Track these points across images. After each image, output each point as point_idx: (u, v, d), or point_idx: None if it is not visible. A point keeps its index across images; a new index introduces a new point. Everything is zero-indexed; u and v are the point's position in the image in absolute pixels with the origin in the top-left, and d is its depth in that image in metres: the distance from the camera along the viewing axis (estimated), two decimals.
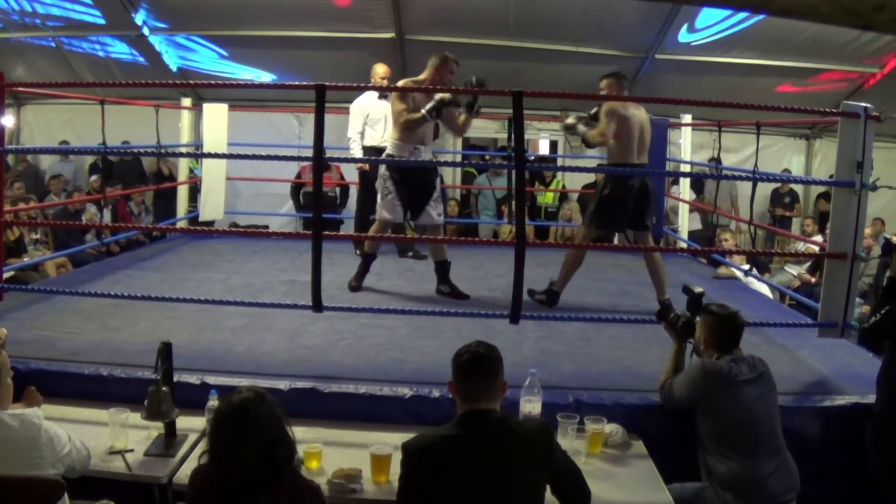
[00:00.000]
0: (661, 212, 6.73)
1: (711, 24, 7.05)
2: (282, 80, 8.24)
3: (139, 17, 7.43)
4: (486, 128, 8.94)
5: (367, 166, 5.76)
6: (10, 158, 8.13)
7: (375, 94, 5.68)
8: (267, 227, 8.22)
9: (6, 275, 4.36)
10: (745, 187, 7.82)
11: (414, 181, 4.48)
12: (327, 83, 3.30)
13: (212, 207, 6.48)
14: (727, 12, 6.64)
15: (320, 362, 3.37)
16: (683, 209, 6.87)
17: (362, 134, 5.75)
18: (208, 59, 8.30)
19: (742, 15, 6.57)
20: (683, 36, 7.22)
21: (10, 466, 2.07)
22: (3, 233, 3.98)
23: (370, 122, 5.73)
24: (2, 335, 2.64)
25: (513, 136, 3.57)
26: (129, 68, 8.28)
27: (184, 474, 2.38)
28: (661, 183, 6.66)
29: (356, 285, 4.75)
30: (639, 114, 4.38)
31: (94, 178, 8.68)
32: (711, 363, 2.81)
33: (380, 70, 5.65)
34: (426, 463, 2.09)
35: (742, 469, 2.64)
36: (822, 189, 8.55)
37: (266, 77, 8.42)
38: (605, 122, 4.27)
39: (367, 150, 5.68)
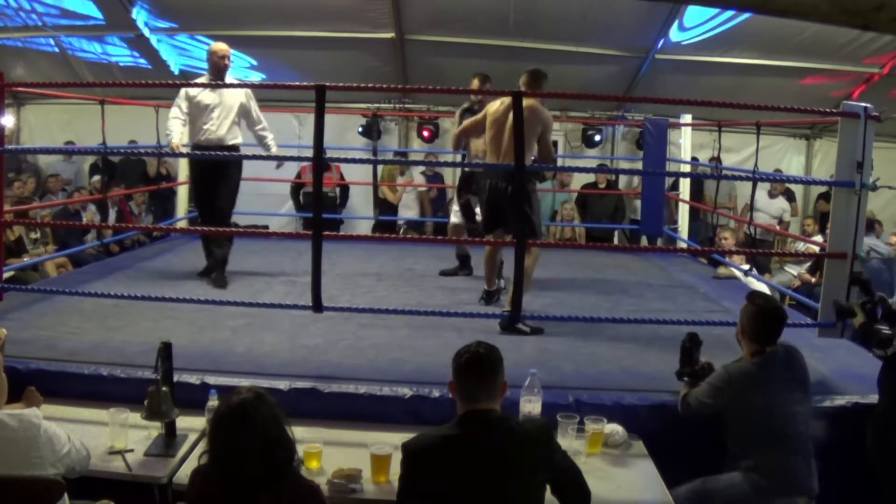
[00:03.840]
0: (661, 211, 6.72)
1: (700, 22, 6.95)
2: (279, 79, 8.21)
3: (139, 18, 7.41)
4: None
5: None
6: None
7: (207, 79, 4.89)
8: (267, 227, 8.21)
9: (6, 275, 4.36)
10: (743, 187, 7.86)
11: (469, 186, 5.05)
12: (327, 83, 3.31)
13: None
14: (714, 10, 6.56)
15: (320, 362, 3.37)
16: (683, 209, 6.87)
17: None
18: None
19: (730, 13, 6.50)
20: (675, 35, 7.18)
21: (9, 466, 2.06)
22: (3, 233, 3.98)
23: (198, 109, 4.78)
24: (2, 335, 2.64)
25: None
26: (129, 68, 8.27)
27: (184, 474, 2.38)
28: (661, 183, 6.66)
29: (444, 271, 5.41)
30: (497, 108, 4.14)
31: (95, 178, 8.66)
32: (737, 368, 2.80)
33: (218, 48, 4.79)
34: (426, 463, 2.09)
35: (777, 461, 2.64)
36: (822, 189, 8.54)
37: (255, 77, 8.35)
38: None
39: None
